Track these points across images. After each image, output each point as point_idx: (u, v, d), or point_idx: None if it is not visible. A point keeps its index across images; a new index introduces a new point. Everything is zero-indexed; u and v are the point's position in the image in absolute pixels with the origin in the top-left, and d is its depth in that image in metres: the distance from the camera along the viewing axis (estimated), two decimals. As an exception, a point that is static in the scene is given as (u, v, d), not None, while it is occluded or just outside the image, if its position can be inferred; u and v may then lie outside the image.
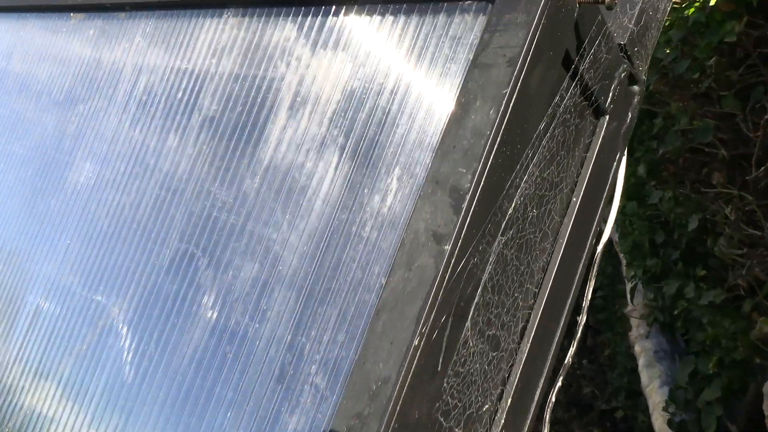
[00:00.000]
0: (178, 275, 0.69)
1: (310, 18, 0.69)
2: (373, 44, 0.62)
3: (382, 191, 0.56)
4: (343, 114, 0.62)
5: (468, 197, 0.47)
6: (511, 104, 0.49)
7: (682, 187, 2.78)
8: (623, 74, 0.65)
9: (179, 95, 0.80)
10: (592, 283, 0.72)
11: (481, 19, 0.55)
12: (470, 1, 0.56)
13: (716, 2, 2.03)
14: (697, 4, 2.25)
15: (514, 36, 0.50)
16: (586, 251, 0.67)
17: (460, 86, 0.53)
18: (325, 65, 0.66)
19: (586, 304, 0.71)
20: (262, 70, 0.72)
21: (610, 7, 0.54)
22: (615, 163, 0.69)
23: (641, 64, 0.70)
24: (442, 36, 0.58)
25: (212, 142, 0.73)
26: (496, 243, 0.50)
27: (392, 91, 0.59)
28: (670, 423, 2.63)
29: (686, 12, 2.40)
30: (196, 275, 0.67)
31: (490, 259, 0.50)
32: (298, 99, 0.66)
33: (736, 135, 2.27)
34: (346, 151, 0.60)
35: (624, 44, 0.67)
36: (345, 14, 0.66)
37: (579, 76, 0.58)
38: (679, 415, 2.63)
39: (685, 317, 2.57)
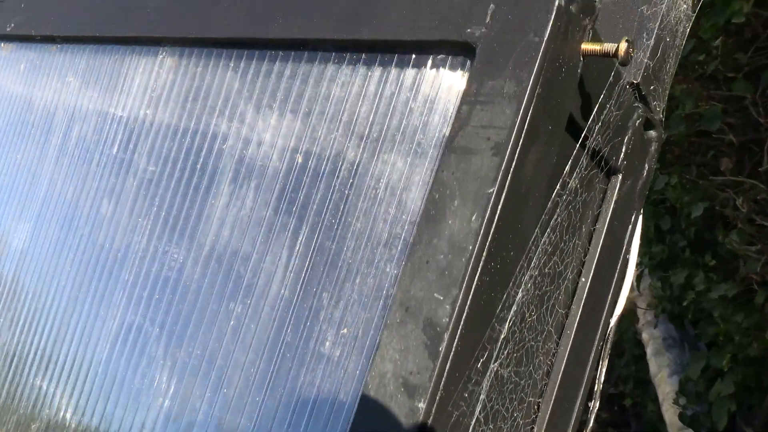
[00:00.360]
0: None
1: (254, 65, 0.57)
2: (328, 103, 0.51)
3: (344, 299, 0.45)
4: (294, 193, 0.50)
5: (447, 336, 0.36)
6: (499, 207, 0.37)
7: (687, 171, 2.66)
8: (638, 121, 0.53)
9: (114, 150, 0.68)
10: (606, 362, 0.61)
11: (458, 79, 0.43)
12: (443, 55, 0.44)
13: (722, -20, 1.89)
14: (702, -18, 2.10)
15: (500, 113, 0.38)
16: (598, 333, 0.56)
17: (433, 174, 0.41)
18: (272, 126, 0.54)
19: (598, 388, 0.60)
20: (202, 125, 0.60)
21: (624, 63, 0.42)
22: (630, 226, 0.57)
23: (659, 104, 0.58)
24: (410, 97, 0.46)
25: (149, 215, 0.61)
26: (486, 375, 0.39)
27: (353, 166, 0.48)
28: (681, 416, 2.54)
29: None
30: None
31: (480, 396, 0.39)
32: (242, 169, 0.54)
33: (746, 120, 2.15)
34: (299, 242, 0.48)
35: (638, 83, 0.55)
36: (294, 61, 0.54)
37: (586, 145, 0.46)
38: (690, 408, 2.54)
39: (694, 308, 2.47)
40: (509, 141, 0.37)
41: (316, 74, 0.52)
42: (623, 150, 0.52)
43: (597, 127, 0.45)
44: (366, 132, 0.48)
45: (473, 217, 0.37)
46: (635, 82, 0.55)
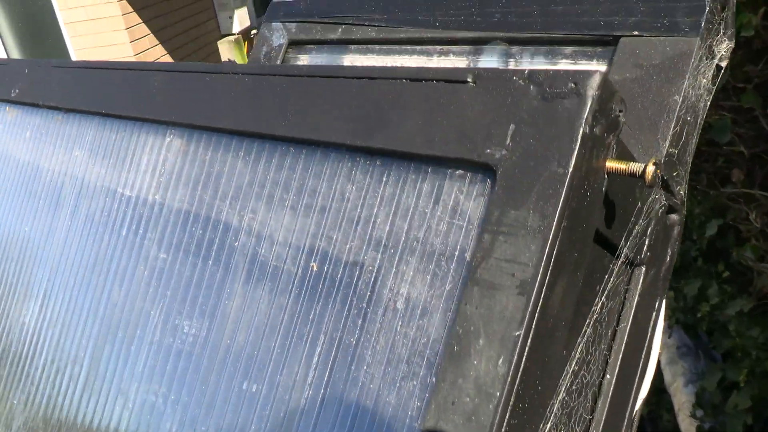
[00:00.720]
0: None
1: (265, 156, 0.56)
2: (344, 203, 0.49)
3: (365, 426, 0.43)
4: (310, 302, 0.49)
5: (476, 489, 0.34)
6: (527, 349, 0.35)
7: (698, 179, 2.63)
8: (660, 211, 0.52)
9: (123, 232, 0.67)
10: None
11: (479, 197, 0.41)
12: (462, 171, 0.42)
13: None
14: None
15: (525, 247, 0.37)
16: (624, 424, 0.54)
17: (456, 306, 0.40)
18: (285, 224, 0.52)
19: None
20: (213, 216, 0.59)
21: (651, 185, 0.40)
22: (654, 313, 0.55)
23: (682, 187, 0.56)
24: (429, 208, 0.44)
25: (161, 306, 0.60)
26: None
27: (371, 276, 0.46)
28: (699, 429, 2.51)
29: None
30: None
31: None
32: (255, 269, 0.53)
33: (757, 131, 2.12)
34: (317, 355, 0.47)
35: (662, 174, 0.53)
36: (306, 157, 0.52)
37: (614, 255, 0.44)
38: (707, 421, 2.52)
39: (709, 320, 2.44)
40: (535, 280, 0.36)
41: (330, 173, 0.51)
42: (646, 242, 0.50)
43: (626, 238, 0.43)
44: (384, 239, 0.46)
45: (500, 361, 0.35)
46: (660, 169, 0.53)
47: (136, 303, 0.63)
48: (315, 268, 0.49)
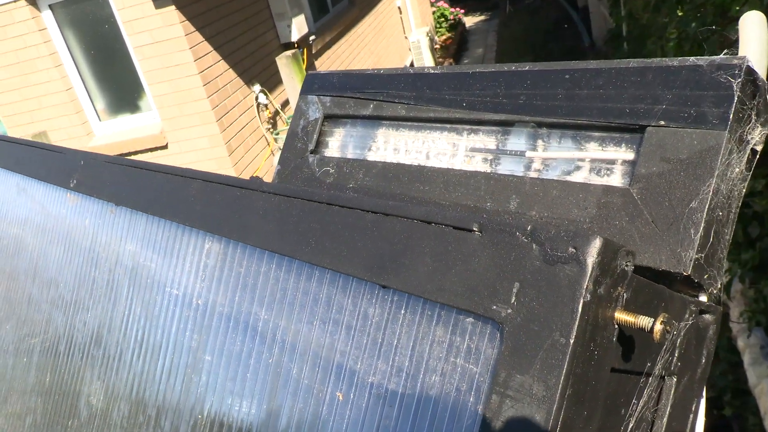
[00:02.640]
0: None
1: (294, 275, 0.58)
2: (367, 324, 0.51)
3: None
4: (337, 427, 0.50)
5: None
6: None
7: (777, 174, 2.50)
8: (690, 319, 0.51)
9: (173, 330, 0.71)
10: None
11: (488, 350, 0.42)
12: (472, 319, 0.43)
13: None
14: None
15: (530, 416, 0.37)
16: None
17: (470, 463, 0.40)
18: (313, 341, 0.54)
19: None
20: (251, 323, 0.61)
21: (661, 343, 0.39)
22: (692, 415, 0.54)
23: (715, 284, 0.54)
24: (443, 345, 0.45)
25: (209, 406, 0.64)
26: None
27: (394, 403, 0.48)
28: (786, 436, 2.40)
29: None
30: None
31: None
32: (289, 387, 0.55)
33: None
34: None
35: (688, 275, 0.52)
36: (330, 280, 0.54)
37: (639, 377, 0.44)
38: (795, 426, 2.40)
39: (792, 321, 2.32)
40: None
41: (353, 297, 0.52)
42: (676, 354, 0.49)
43: (644, 367, 0.43)
44: (405, 365, 0.48)
45: None
46: (685, 274, 0.52)
47: (187, 402, 0.67)
48: (341, 398, 0.50)
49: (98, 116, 5.85)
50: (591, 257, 0.37)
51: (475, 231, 0.42)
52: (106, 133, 5.80)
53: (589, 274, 0.36)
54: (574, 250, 0.37)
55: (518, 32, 11.49)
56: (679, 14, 3.26)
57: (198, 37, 5.39)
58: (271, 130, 6.26)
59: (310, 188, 0.63)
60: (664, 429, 0.51)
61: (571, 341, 0.36)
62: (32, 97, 5.64)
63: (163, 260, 0.74)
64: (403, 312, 0.48)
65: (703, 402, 0.56)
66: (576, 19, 11.07)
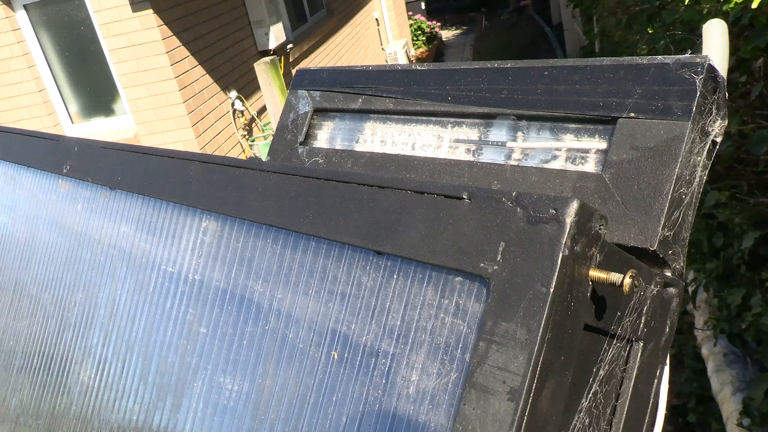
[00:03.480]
0: None
1: (290, 248, 0.61)
2: (361, 291, 0.55)
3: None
4: (332, 386, 0.54)
5: None
6: (518, 450, 0.40)
7: (738, 186, 2.60)
8: (656, 289, 0.55)
9: (167, 306, 0.74)
10: None
11: (476, 304, 0.46)
12: (461, 278, 0.47)
13: (758, 5, 1.85)
14: (733, 2, 2.07)
15: (513, 358, 0.41)
16: None
17: (457, 405, 0.44)
18: (309, 310, 0.58)
19: None
20: (247, 295, 0.65)
21: (629, 296, 0.44)
22: (656, 381, 0.59)
23: (679, 262, 0.60)
24: (435, 305, 0.49)
25: (202, 377, 0.67)
26: None
27: (386, 364, 0.51)
28: (747, 438, 2.49)
29: (725, 7, 2.22)
30: None
31: None
32: (285, 353, 0.59)
33: (794, 140, 2.09)
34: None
35: (654, 251, 0.57)
36: (327, 248, 0.58)
37: (604, 349, 0.48)
38: (755, 430, 2.48)
39: (754, 329, 2.41)
40: (522, 388, 0.40)
41: (348, 265, 0.56)
42: (643, 320, 0.54)
43: (616, 324, 0.48)
44: (397, 329, 0.52)
45: (493, 462, 0.40)
46: (652, 249, 0.57)
47: (180, 373, 0.70)
48: (336, 357, 0.54)
49: (71, 119, 5.80)
50: (569, 217, 0.41)
51: (464, 198, 0.47)
52: (79, 136, 5.76)
53: (567, 232, 0.41)
54: (554, 211, 0.42)
55: (494, 47, 11.68)
56: (650, 32, 3.37)
57: (175, 41, 5.39)
58: (247, 136, 6.27)
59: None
60: (631, 390, 0.56)
61: (551, 290, 0.40)
62: (4, 98, 5.57)
63: (159, 239, 0.77)
64: (396, 276, 0.52)
65: (666, 369, 0.61)
66: (550, 35, 11.30)
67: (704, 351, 3.20)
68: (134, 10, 5.10)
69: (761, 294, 2.36)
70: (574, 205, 0.41)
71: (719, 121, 0.61)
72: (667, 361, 0.61)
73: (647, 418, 0.59)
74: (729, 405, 2.90)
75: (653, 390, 0.59)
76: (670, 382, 3.61)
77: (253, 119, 6.36)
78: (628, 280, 0.43)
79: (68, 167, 0.94)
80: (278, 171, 0.61)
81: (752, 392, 2.43)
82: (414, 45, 12.45)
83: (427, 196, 0.49)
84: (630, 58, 0.65)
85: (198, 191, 0.70)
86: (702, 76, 0.59)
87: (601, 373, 0.50)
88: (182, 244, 0.74)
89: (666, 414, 0.63)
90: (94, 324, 0.85)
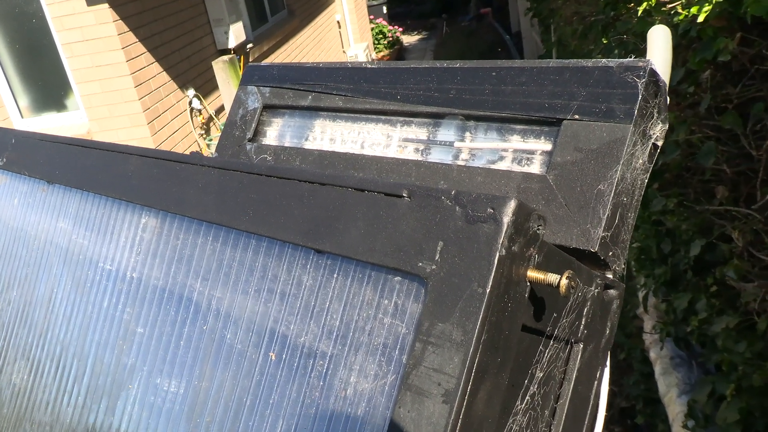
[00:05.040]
0: None
1: (231, 242, 0.60)
2: (301, 290, 0.53)
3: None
4: (269, 387, 0.53)
5: None
6: (452, 453, 0.39)
7: (685, 194, 2.67)
8: (596, 291, 0.56)
9: (104, 304, 0.71)
10: None
11: (414, 304, 0.45)
12: (399, 278, 0.47)
13: (705, 18, 1.90)
14: (683, 15, 2.12)
15: (449, 359, 0.41)
16: None
17: (392, 408, 0.44)
18: (247, 309, 0.57)
19: None
20: (186, 294, 0.63)
21: (566, 297, 0.44)
22: (596, 382, 0.59)
23: (619, 263, 0.60)
24: (374, 305, 0.48)
25: (138, 378, 0.64)
26: None
27: (324, 365, 0.50)
28: (691, 440, 2.55)
29: (675, 19, 2.27)
30: None
31: None
32: (222, 352, 0.57)
33: (739, 149, 2.16)
34: (275, 440, 0.51)
35: (595, 252, 0.57)
36: (268, 246, 0.56)
37: (541, 350, 0.48)
38: (699, 431, 2.55)
39: (698, 333, 2.48)
40: (457, 390, 0.40)
41: (288, 263, 0.55)
42: (583, 321, 0.54)
43: (553, 325, 0.47)
44: (335, 329, 0.51)
45: (427, 464, 0.39)
46: (592, 251, 0.57)
47: (116, 375, 0.68)
48: (273, 358, 0.53)
49: (21, 113, 5.63)
50: (507, 216, 0.41)
51: (404, 196, 0.46)
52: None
53: (504, 231, 0.41)
54: (492, 210, 0.41)
55: (454, 52, 11.78)
56: (604, 42, 3.44)
57: (132, 37, 5.27)
58: (204, 135, 6.17)
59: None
60: (570, 391, 0.56)
61: (487, 290, 0.40)
62: (-51, 90, 5.37)
63: (97, 236, 0.74)
64: (335, 275, 0.51)
65: (607, 371, 0.61)
66: (509, 43, 11.45)
67: (652, 354, 3.27)
68: (89, 3, 4.97)
69: (706, 299, 2.42)
70: (511, 205, 0.41)
71: (660, 125, 0.62)
72: (608, 363, 0.62)
73: (587, 419, 0.59)
74: (675, 407, 2.97)
75: (593, 391, 0.59)
76: (620, 384, 3.67)
77: (211, 118, 6.27)
78: (564, 281, 0.43)
79: (5, 160, 0.90)
80: (219, 166, 0.59)
81: (696, 395, 2.49)
82: (375, 49, 12.47)
83: (367, 193, 0.48)
84: (575, 60, 0.66)
85: (138, 186, 0.67)
86: (644, 80, 0.60)
87: (540, 374, 0.50)
88: (121, 241, 0.72)
89: (607, 416, 0.63)
90: (28, 323, 0.82)
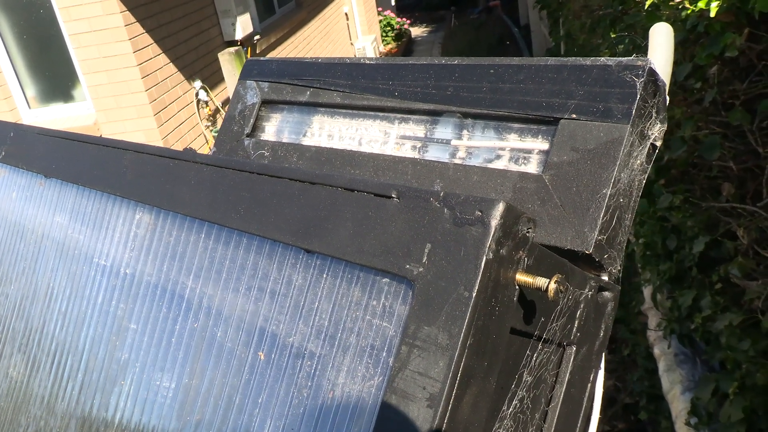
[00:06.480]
0: None
1: (223, 239, 0.60)
2: (290, 288, 0.53)
3: None
4: (258, 387, 0.53)
5: None
6: (436, 458, 0.39)
7: (691, 190, 2.65)
8: (590, 293, 0.55)
9: (99, 300, 0.71)
10: None
11: (401, 306, 0.45)
12: (387, 279, 0.46)
13: (715, 14, 1.88)
14: (690, 9, 2.10)
15: (434, 363, 0.40)
16: None
17: (378, 410, 0.43)
18: (238, 307, 0.56)
19: None
20: (178, 291, 0.63)
21: (555, 302, 0.44)
22: (590, 385, 0.59)
23: (614, 264, 0.59)
24: (363, 306, 0.48)
25: (131, 375, 0.64)
26: None
27: (312, 364, 0.50)
28: (694, 437, 2.54)
29: (683, 14, 2.25)
30: None
31: None
32: (213, 350, 0.57)
33: (745, 146, 2.14)
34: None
35: (589, 254, 0.56)
36: (258, 245, 0.56)
37: (530, 353, 0.48)
38: (702, 428, 2.54)
39: (702, 330, 2.46)
40: (442, 394, 0.39)
41: (278, 262, 0.55)
42: (576, 324, 0.54)
43: (541, 329, 0.47)
44: (324, 329, 0.50)
45: (411, 469, 0.39)
46: (587, 253, 0.56)
47: (110, 370, 0.68)
48: (262, 358, 0.53)
49: (28, 104, 5.64)
50: (494, 219, 0.40)
51: (393, 197, 0.45)
52: (36, 122, 5.59)
53: (492, 234, 0.40)
54: (480, 213, 0.41)
55: (462, 45, 11.72)
56: (612, 36, 3.41)
57: (139, 28, 5.27)
58: (211, 127, 6.17)
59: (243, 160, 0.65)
60: (563, 394, 0.55)
61: (474, 294, 0.40)
62: (-43, 80, 5.39)
63: (92, 231, 0.74)
64: (325, 275, 0.50)
65: (601, 373, 0.61)
66: (518, 36, 11.39)
67: (656, 351, 3.26)
68: (96, -6, 4.97)
69: (710, 296, 2.41)
70: (499, 208, 0.40)
71: (659, 125, 0.61)
72: (602, 365, 0.61)
73: (580, 422, 0.58)
74: (678, 404, 2.96)
75: (587, 394, 0.59)
76: (624, 380, 3.66)
77: (217, 110, 6.27)
78: (553, 286, 0.42)
79: (3, 153, 0.90)
80: (212, 164, 0.59)
81: (699, 392, 2.48)
82: (383, 41, 12.43)
83: (356, 193, 0.48)
84: (574, 58, 0.65)
85: (133, 182, 0.67)
86: (643, 80, 0.59)
87: (529, 378, 0.49)
88: (116, 237, 0.71)
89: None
90: (25, 317, 0.82)
